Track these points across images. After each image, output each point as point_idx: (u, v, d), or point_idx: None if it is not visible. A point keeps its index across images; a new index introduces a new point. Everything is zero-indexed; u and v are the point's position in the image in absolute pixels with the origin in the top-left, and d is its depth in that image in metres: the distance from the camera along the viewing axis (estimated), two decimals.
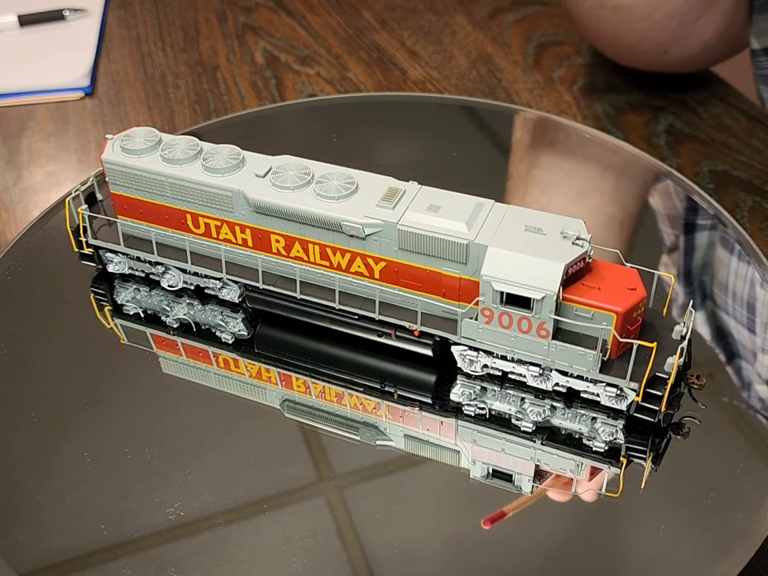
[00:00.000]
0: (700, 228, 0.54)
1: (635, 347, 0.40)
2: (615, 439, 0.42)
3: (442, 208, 0.43)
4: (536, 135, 0.64)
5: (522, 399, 0.43)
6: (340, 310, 0.46)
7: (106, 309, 0.50)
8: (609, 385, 0.41)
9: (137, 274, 0.50)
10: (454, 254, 0.42)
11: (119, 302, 0.50)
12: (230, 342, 0.47)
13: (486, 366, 0.44)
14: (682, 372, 0.42)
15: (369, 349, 0.46)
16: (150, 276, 0.50)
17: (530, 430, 0.42)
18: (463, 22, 0.84)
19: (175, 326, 0.49)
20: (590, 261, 0.41)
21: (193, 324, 0.49)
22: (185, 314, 0.49)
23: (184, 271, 0.49)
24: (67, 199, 0.49)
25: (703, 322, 0.48)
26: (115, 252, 0.50)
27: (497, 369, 0.44)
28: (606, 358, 0.41)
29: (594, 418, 0.42)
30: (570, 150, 0.63)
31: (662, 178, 0.57)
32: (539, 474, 0.41)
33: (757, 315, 0.48)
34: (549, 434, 0.42)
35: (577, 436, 0.42)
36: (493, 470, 0.41)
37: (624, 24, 0.67)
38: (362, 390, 0.45)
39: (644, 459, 0.41)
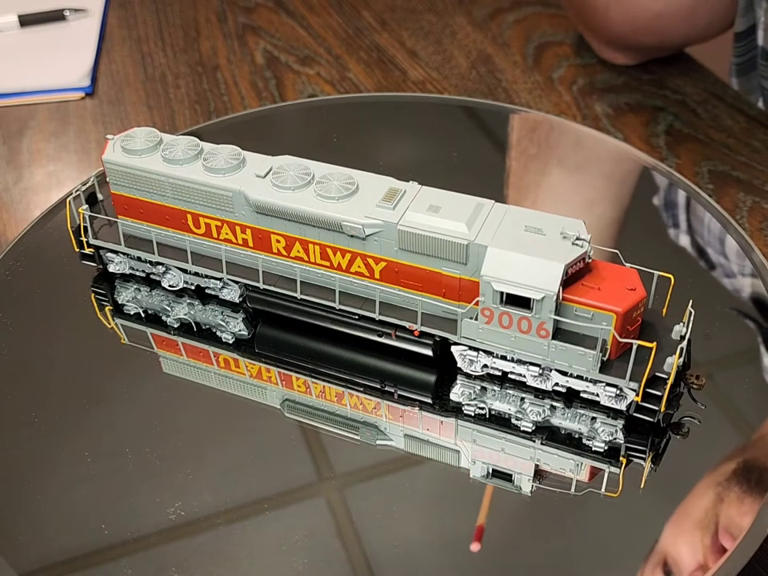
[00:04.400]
0: (699, 228, 0.54)
1: (635, 347, 0.40)
2: (615, 439, 0.42)
3: (442, 208, 0.43)
4: (535, 136, 0.64)
5: (522, 399, 0.43)
6: (340, 310, 0.46)
7: (106, 309, 0.50)
8: (608, 385, 0.41)
9: (137, 274, 0.50)
10: (454, 254, 0.42)
11: (120, 302, 0.50)
12: (231, 341, 0.48)
13: (485, 365, 0.44)
14: (682, 372, 0.42)
15: (369, 349, 0.46)
16: (151, 276, 0.50)
17: (530, 430, 0.42)
18: (463, 22, 0.84)
19: (176, 325, 0.49)
20: (590, 261, 0.41)
21: (193, 324, 0.49)
22: (185, 314, 0.49)
23: (185, 271, 0.49)
24: (68, 199, 0.49)
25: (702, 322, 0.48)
26: (116, 252, 0.50)
27: (497, 369, 0.44)
28: (605, 358, 0.41)
29: (593, 418, 0.42)
30: (570, 151, 0.63)
31: (661, 179, 0.57)
32: (539, 474, 0.41)
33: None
34: (548, 433, 0.42)
35: (576, 436, 0.42)
36: (493, 469, 0.41)
37: None
38: (362, 389, 0.45)
39: (644, 459, 0.41)
